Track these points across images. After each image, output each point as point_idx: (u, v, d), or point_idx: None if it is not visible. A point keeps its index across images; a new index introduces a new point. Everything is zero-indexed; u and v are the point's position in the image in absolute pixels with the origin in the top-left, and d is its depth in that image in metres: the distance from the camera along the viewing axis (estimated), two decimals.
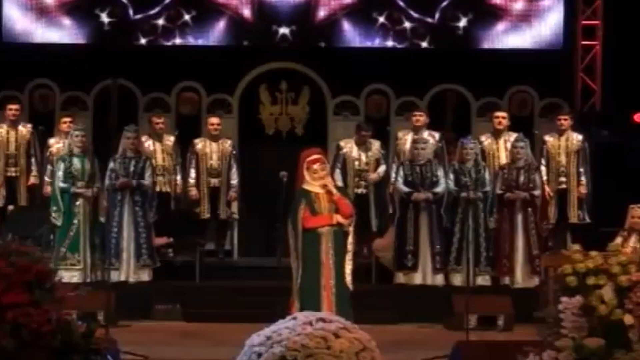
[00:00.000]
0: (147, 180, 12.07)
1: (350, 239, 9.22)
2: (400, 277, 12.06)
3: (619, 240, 10.44)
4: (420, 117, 12.98)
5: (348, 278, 9.18)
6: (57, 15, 14.58)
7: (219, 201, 13.02)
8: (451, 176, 12.10)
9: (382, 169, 12.84)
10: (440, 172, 12.06)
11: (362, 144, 12.91)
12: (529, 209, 12.08)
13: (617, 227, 10.75)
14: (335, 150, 13.16)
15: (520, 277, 11.96)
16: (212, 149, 13.06)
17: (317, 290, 8.82)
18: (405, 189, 12.00)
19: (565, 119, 12.89)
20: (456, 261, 11.92)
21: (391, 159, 13.04)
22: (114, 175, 11.95)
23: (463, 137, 12.55)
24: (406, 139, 12.95)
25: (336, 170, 12.88)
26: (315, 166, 9.10)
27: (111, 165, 11.94)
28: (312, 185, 9.07)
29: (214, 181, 13.01)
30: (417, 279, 11.97)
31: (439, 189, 12.01)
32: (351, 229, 9.23)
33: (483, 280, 11.99)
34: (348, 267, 9.19)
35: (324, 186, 9.03)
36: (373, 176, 12.79)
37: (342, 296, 8.96)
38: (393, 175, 12.58)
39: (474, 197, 11.69)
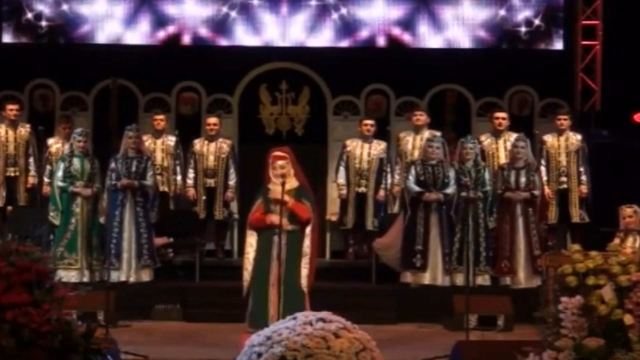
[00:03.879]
0: (149, 181, 12.08)
1: (307, 242, 9.19)
2: (408, 277, 12.02)
3: (617, 241, 10.43)
4: (421, 117, 12.99)
5: (303, 281, 9.14)
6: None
7: (215, 201, 13.01)
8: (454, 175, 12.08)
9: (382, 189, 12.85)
10: (451, 173, 12.01)
11: (367, 139, 12.89)
12: (530, 209, 12.08)
13: (617, 227, 10.74)
14: (340, 149, 13.23)
15: (523, 278, 11.96)
16: (209, 150, 13.05)
17: (265, 288, 8.81)
18: (417, 188, 11.97)
19: (564, 119, 12.88)
20: (458, 261, 11.91)
21: (394, 160, 13.02)
22: (114, 175, 11.95)
23: (463, 137, 12.55)
24: (407, 140, 12.97)
25: (340, 168, 12.96)
26: (277, 163, 9.11)
27: (112, 165, 11.94)
28: (274, 184, 9.06)
29: (210, 181, 13.01)
30: (426, 279, 11.93)
31: (450, 190, 11.97)
32: (308, 231, 9.18)
33: (483, 280, 11.99)
34: (304, 270, 9.15)
35: (276, 197, 8.95)
36: (382, 194, 12.78)
37: (292, 297, 8.91)
38: (397, 175, 12.63)
39: (473, 197, 11.68)
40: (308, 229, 9.17)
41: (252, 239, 9.23)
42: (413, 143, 12.91)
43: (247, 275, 9.19)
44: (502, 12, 14.72)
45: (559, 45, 14.79)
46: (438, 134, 12.88)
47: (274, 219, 8.98)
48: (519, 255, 12.01)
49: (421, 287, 11.94)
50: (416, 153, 12.66)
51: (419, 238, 11.94)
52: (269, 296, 8.84)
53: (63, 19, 14.60)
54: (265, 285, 8.81)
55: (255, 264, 9.07)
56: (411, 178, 12.06)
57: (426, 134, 12.79)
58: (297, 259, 9.03)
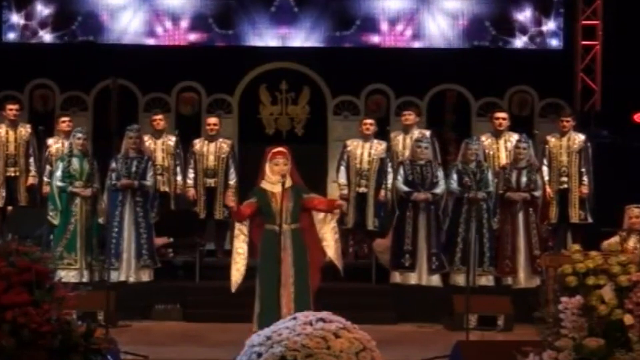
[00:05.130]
0: (149, 181, 12.07)
1: (333, 225, 9.18)
2: (397, 277, 12.04)
3: (616, 239, 10.42)
4: (409, 116, 12.99)
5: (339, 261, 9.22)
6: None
7: (216, 201, 13.02)
8: (454, 176, 12.08)
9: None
10: (440, 173, 12.04)
11: (367, 139, 12.90)
12: (530, 209, 12.08)
13: (618, 227, 10.74)
14: (340, 149, 13.25)
15: (523, 278, 11.96)
16: (209, 150, 13.05)
17: (274, 289, 8.78)
18: (405, 188, 11.98)
19: (567, 121, 12.88)
20: (461, 261, 11.90)
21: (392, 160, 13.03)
22: (114, 175, 11.95)
23: (467, 137, 12.54)
24: (399, 140, 12.98)
25: (341, 168, 12.96)
26: (279, 159, 9.04)
27: (112, 165, 11.94)
28: (270, 184, 9.02)
29: (210, 181, 13.01)
30: (413, 279, 11.96)
31: (438, 189, 11.99)
32: (331, 216, 9.19)
33: (486, 280, 11.98)
34: (338, 249, 9.23)
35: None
36: (382, 193, 12.80)
37: (302, 295, 8.92)
38: (390, 176, 12.66)
39: (476, 197, 11.68)
40: (320, 216, 9.17)
41: (240, 237, 9.19)
42: (404, 143, 12.92)
43: (235, 271, 9.16)
44: (503, 12, 14.73)
45: (559, 45, 14.80)
46: (427, 132, 12.87)
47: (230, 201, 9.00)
48: (519, 255, 12.01)
49: (421, 288, 11.93)
50: (407, 153, 12.66)
51: (408, 238, 11.95)
52: (281, 297, 8.81)
53: (65, 19, 14.62)
54: (273, 287, 8.77)
55: (260, 266, 9.04)
56: (400, 178, 12.07)
57: (416, 133, 12.81)
58: (304, 256, 9.04)
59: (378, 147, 12.93)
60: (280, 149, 9.18)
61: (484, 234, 11.96)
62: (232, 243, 9.44)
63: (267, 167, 9.06)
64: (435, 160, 12.31)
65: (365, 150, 12.94)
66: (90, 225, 11.83)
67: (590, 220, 12.71)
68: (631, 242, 10.23)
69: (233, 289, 9.16)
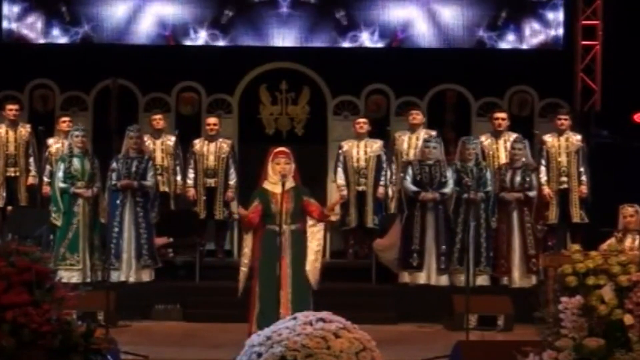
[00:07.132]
0: (149, 181, 12.07)
1: (320, 239, 9.14)
2: (405, 277, 12.03)
3: (613, 240, 10.41)
4: (417, 116, 13.01)
5: (314, 275, 9.12)
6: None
7: (216, 201, 13.02)
8: (452, 175, 12.07)
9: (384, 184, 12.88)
10: (449, 173, 12.01)
11: (361, 138, 12.93)
12: (525, 209, 12.08)
13: (616, 226, 10.73)
14: (336, 150, 13.27)
15: (517, 277, 11.97)
16: (209, 150, 13.06)
17: (274, 289, 8.76)
18: (414, 188, 11.97)
19: (565, 119, 12.89)
20: (459, 261, 11.90)
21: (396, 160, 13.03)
22: (114, 175, 11.95)
23: (463, 136, 12.55)
24: (403, 139, 13.01)
25: (338, 169, 12.98)
26: (282, 159, 9.02)
27: (113, 165, 11.94)
28: (272, 184, 9.00)
29: (210, 181, 13.02)
30: (422, 278, 11.95)
31: (447, 189, 11.97)
32: (320, 227, 9.15)
33: (483, 280, 11.99)
34: (317, 265, 9.12)
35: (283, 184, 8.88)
36: (381, 190, 12.81)
37: (301, 295, 8.91)
38: (389, 174, 12.64)
39: (474, 198, 11.67)
40: (317, 226, 9.13)
41: (249, 239, 9.19)
42: (409, 142, 12.95)
43: (243, 275, 9.16)
44: (503, 12, 14.72)
45: (559, 45, 14.80)
46: (434, 133, 12.87)
47: (241, 211, 8.96)
48: (514, 254, 12.02)
49: (421, 287, 11.94)
50: (412, 152, 12.67)
51: (416, 238, 11.95)
52: (279, 298, 8.79)
53: (65, 19, 14.62)
54: (273, 288, 8.76)
55: (260, 266, 9.02)
56: (408, 178, 12.06)
57: (422, 133, 12.82)
58: (303, 257, 9.03)
59: (373, 145, 12.99)
60: (282, 149, 9.20)
61: (480, 234, 11.97)
62: (240, 245, 9.42)
63: (270, 167, 9.08)
64: (443, 160, 12.29)
65: (361, 149, 12.98)
66: (93, 225, 11.84)
67: (586, 220, 12.72)
68: (628, 242, 10.22)
69: (239, 293, 9.14)
